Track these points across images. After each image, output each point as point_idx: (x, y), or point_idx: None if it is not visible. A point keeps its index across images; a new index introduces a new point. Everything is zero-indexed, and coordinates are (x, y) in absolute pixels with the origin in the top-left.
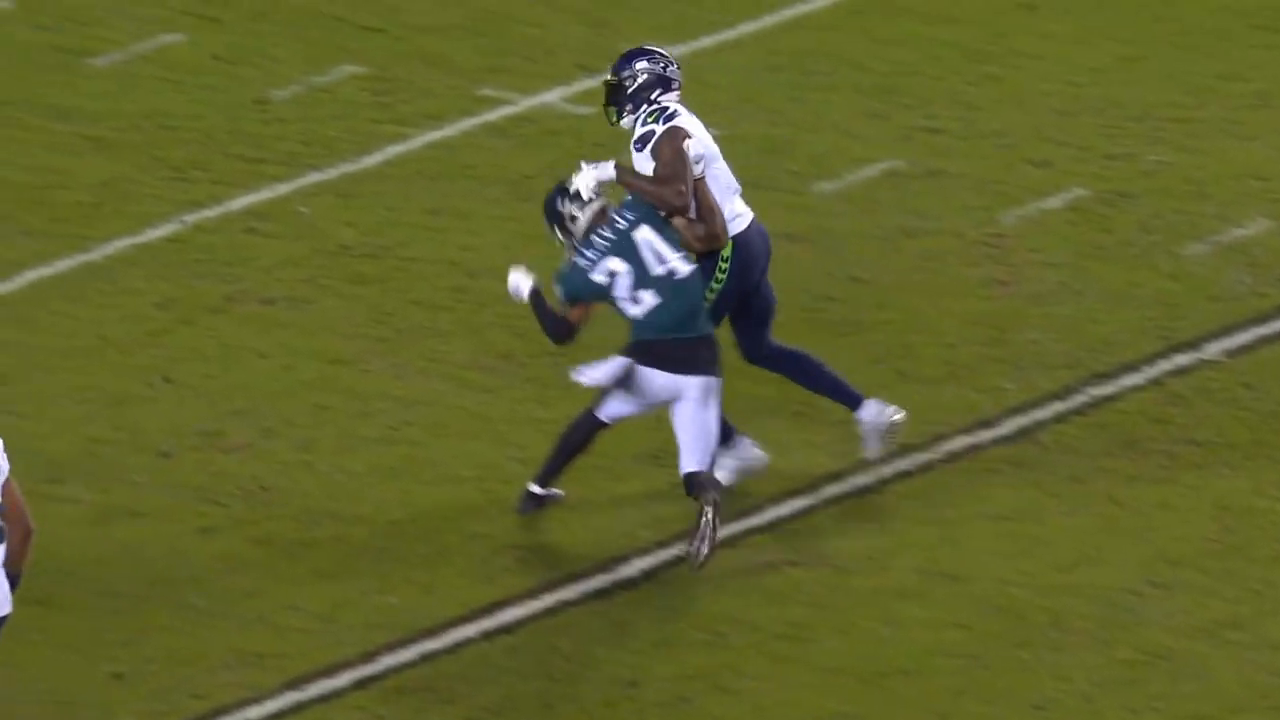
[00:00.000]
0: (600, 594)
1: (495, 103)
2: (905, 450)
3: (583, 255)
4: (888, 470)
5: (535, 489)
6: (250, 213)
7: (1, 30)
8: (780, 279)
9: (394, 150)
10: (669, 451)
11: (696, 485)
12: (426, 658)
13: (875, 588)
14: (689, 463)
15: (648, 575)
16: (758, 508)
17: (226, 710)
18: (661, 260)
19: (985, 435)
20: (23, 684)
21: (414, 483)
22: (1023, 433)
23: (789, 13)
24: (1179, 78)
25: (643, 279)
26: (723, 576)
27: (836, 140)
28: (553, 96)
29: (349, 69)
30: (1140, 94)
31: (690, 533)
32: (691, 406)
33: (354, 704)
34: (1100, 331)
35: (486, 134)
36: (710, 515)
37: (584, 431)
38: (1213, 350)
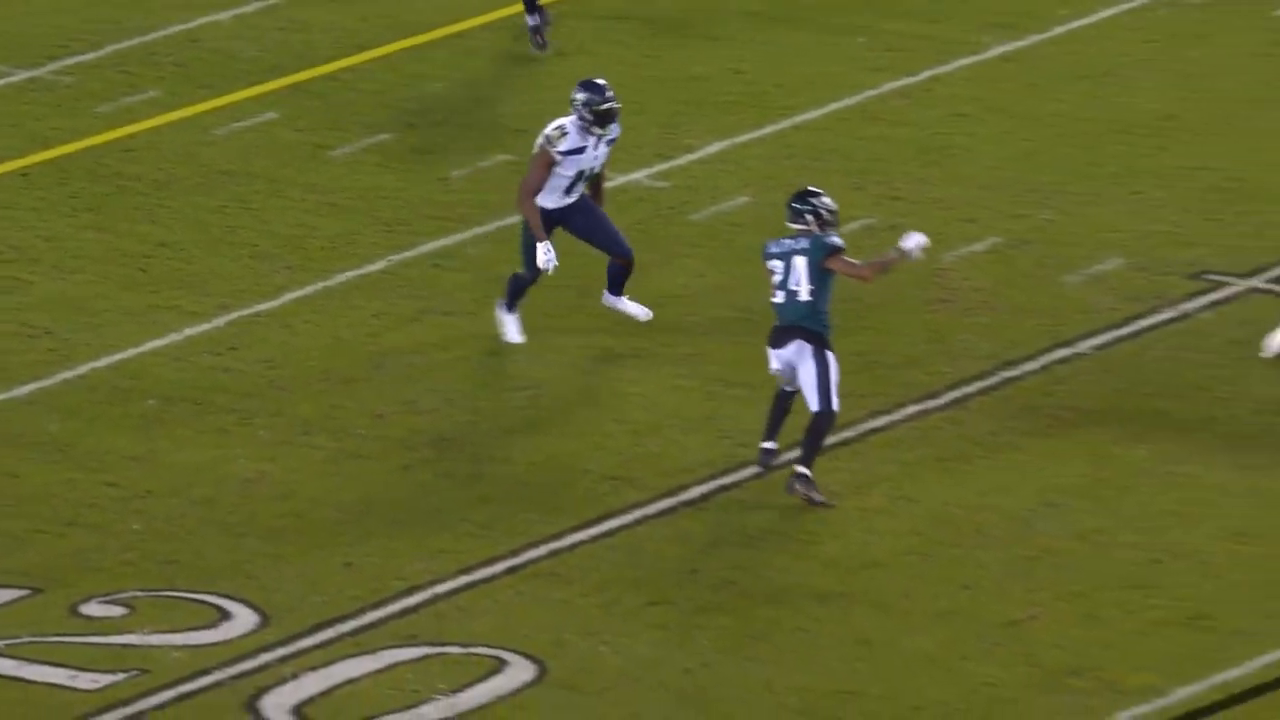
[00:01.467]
0: (671, 510)
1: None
2: (876, 414)
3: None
4: (865, 427)
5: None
6: (435, 253)
7: (271, 132)
8: None
9: None
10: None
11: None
12: (553, 553)
13: (858, 506)
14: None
15: (705, 497)
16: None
17: (420, 588)
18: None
19: (931, 404)
20: (281, 570)
21: (545, 436)
22: (956, 402)
23: (798, 119)
24: (1060, 165)
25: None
26: (755, 496)
27: None
28: (639, 175)
29: (503, 157)
30: (1037, 176)
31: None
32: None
33: (505, 584)
34: (1009, 335)
35: None
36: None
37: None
38: (1084, 346)
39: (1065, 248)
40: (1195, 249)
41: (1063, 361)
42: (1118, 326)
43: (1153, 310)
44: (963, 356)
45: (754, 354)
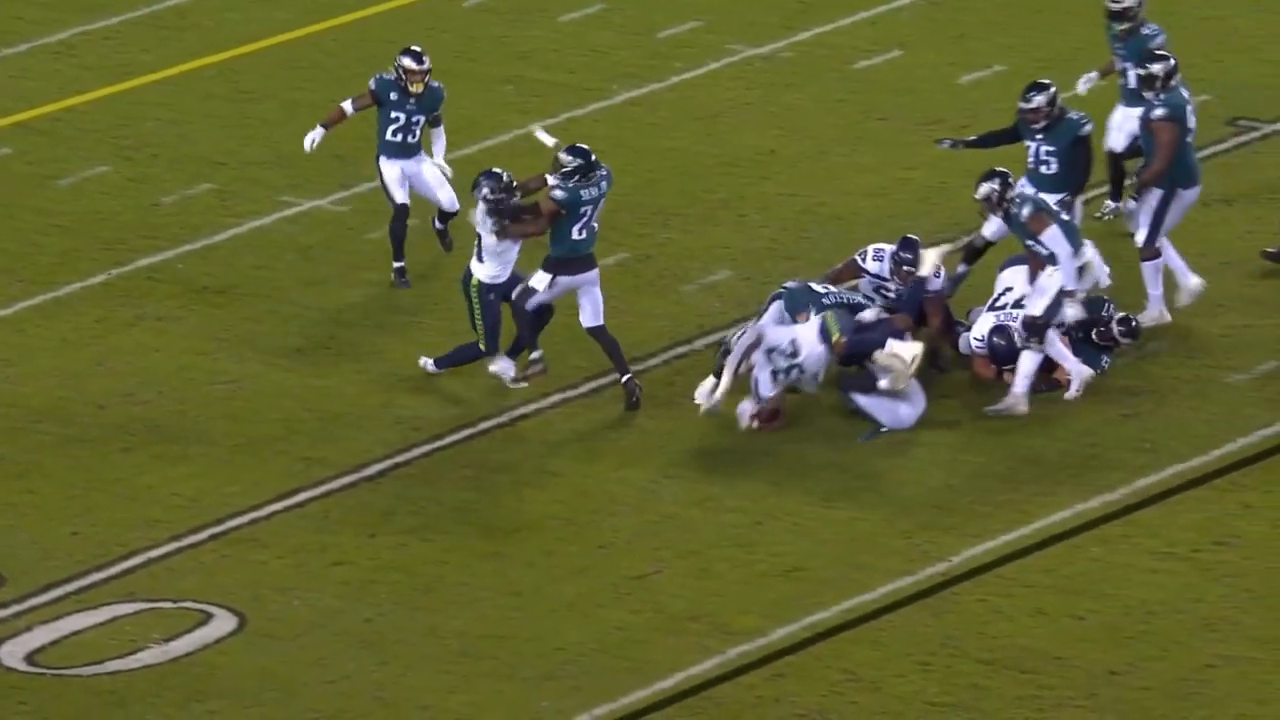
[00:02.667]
0: (354, 485)
1: (292, 205)
2: (526, 403)
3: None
4: (516, 414)
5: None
6: (149, 268)
7: (4, 165)
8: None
9: (233, 232)
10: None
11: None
12: (253, 522)
13: (511, 480)
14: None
15: (382, 474)
16: (470, 423)
17: (137, 553)
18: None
19: (572, 393)
20: (16, 539)
21: (245, 423)
22: (593, 392)
23: (459, 153)
24: (678, 193)
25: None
26: (424, 474)
27: None
28: (323, 201)
29: (206, 185)
30: (658, 201)
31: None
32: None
33: (210, 549)
34: (637, 334)
35: (286, 224)
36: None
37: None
38: (699, 344)
39: (683, 261)
40: (791, 262)
41: (681, 357)
42: (727, 327)
43: (755, 314)
44: (598, 353)
45: (422, 351)
